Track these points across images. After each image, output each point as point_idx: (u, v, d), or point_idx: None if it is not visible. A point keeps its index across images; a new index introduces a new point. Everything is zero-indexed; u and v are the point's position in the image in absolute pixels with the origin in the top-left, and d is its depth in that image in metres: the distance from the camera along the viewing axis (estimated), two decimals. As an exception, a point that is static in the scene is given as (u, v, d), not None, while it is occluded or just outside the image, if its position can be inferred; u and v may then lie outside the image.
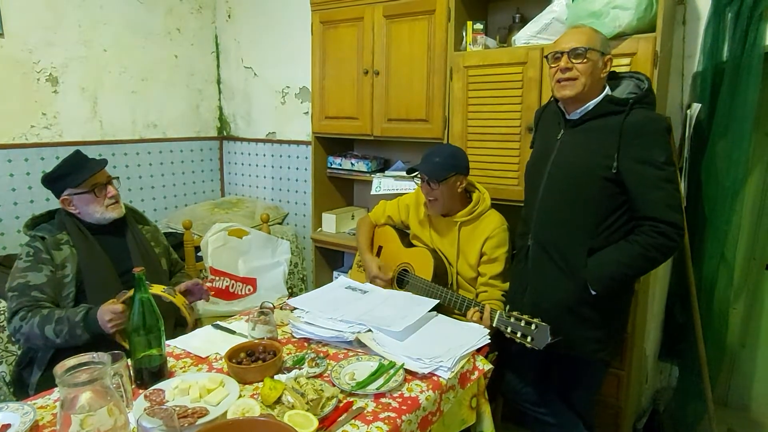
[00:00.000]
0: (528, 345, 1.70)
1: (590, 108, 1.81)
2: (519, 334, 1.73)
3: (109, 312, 1.71)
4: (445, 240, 2.26)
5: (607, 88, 1.84)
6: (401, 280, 2.30)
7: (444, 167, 2.13)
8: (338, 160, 3.26)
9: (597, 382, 2.02)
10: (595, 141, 1.78)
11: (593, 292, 1.79)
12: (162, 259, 2.20)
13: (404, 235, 2.43)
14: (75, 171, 1.96)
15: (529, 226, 1.95)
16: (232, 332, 1.85)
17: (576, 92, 1.79)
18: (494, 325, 1.82)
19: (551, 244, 1.87)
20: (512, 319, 1.76)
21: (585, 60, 1.75)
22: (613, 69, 1.96)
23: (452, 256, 2.22)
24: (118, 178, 2.09)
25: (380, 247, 2.46)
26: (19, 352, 2.06)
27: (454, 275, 2.23)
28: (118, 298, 1.72)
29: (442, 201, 2.18)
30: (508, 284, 2.14)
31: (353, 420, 1.33)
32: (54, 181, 1.98)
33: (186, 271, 2.41)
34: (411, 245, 2.36)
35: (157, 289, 1.75)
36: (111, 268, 1.98)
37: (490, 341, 1.77)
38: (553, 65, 1.82)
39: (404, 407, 1.40)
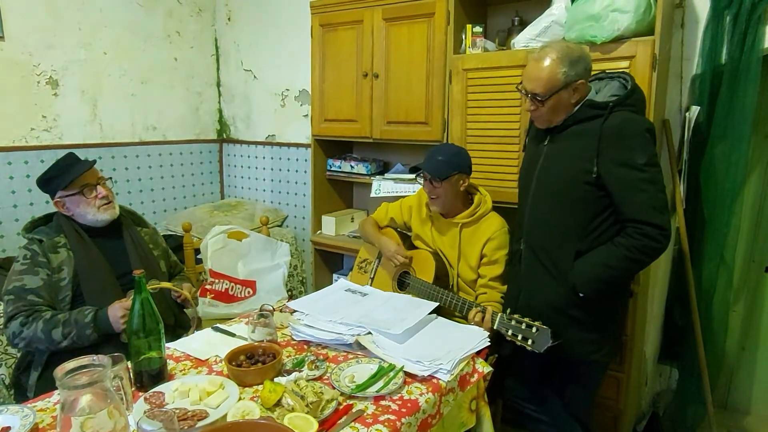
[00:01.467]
0: (529, 348, 1.70)
1: (571, 113, 1.82)
2: (520, 337, 1.73)
3: (121, 309, 1.75)
4: (446, 241, 2.26)
5: (592, 90, 1.85)
6: (402, 282, 2.30)
7: (447, 165, 2.13)
8: (338, 163, 3.26)
9: (594, 382, 2.02)
10: (577, 146, 1.79)
11: (581, 295, 1.79)
12: (161, 261, 2.20)
13: (405, 237, 2.43)
14: (63, 172, 1.96)
15: (521, 230, 1.97)
16: (232, 335, 1.85)
17: (546, 125, 1.86)
18: (495, 327, 1.82)
19: (540, 248, 1.88)
20: (513, 322, 1.77)
21: (544, 104, 1.78)
22: (606, 70, 1.98)
23: (453, 257, 2.23)
24: (111, 178, 2.09)
25: (381, 250, 2.46)
26: (18, 356, 2.06)
27: (455, 277, 2.23)
28: (128, 297, 1.74)
29: (444, 199, 2.19)
30: (506, 287, 2.15)
31: (353, 422, 1.33)
32: (45, 183, 1.98)
33: (185, 274, 2.41)
34: (412, 247, 2.36)
35: (166, 284, 1.90)
36: (108, 271, 1.97)
37: (489, 344, 1.77)
38: (522, 96, 1.87)
39: (404, 410, 1.40)
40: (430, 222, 2.33)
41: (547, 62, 1.76)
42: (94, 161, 2.04)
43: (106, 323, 1.78)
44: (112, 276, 1.97)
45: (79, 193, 1.95)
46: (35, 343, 1.79)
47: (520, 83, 1.85)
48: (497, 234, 2.16)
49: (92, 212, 1.98)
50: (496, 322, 1.82)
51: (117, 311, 1.76)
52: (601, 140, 1.72)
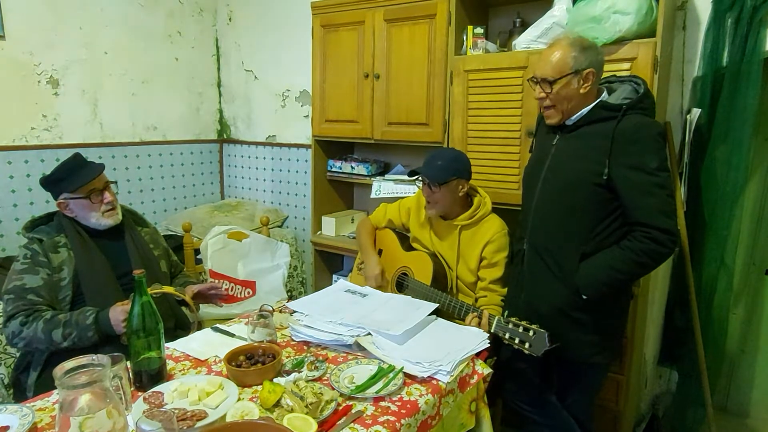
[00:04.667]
0: (526, 351, 1.70)
1: (584, 114, 1.81)
2: (517, 340, 1.73)
3: (123, 312, 1.73)
4: (445, 244, 2.25)
5: (605, 92, 1.84)
6: (400, 284, 2.29)
7: (446, 170, 2.13)
8: (338, 164, 3.26)
9: (594, 384, 2.02)
10: (588, 147, 1.78)
11: (584, 297, 1.79)
12: (161, 261, 2.19)
13: (404, 238, 2.43)
14: (71, 175, 1.95)
15: (525, 231, 1.96)
16: (232, 335, 1.84)
17: (558, 119, 1.85)
18: (492, 330, 1.82)
19: (545, 249, 1.88)
20: (510, 325, 1.77)
21: (555, 89, 1.78)
22: (613, 73, 1.98)
23: (452, 260, 2.22)
24: (116, 182, 2.08)
25: (380, 251, 2.45)
26: (17, 355, 2.05)
27: (453, 279, 2.22)
28: (130, 299, 1.72)
29: (443, 204, 2.18)
30: (507, 289, 2.14)
31: (352, 423, 1.33)
32: (51, 183, 1.97)
33: (186, 272, 2.41)
34: (411, 249, 2.36)
35: (168, 289, 1.86)
36: (109, 272, 1.97)
37: (489, 345, 1.77)
38: (534, 87, 1.87)
39: (403, 411, 1.40)
40: (429, 224, 2.32)
41: (558, 47, 1.79)
42: (103, 166, 2.02)
43: (108, 325, 1.78)
44: (112, 276, 1.97)
45: (86, 197, 1.94)
46: (35, 343, 1.79)
47: (533, 76, 1.85)
48: (497, 236, 2.15)
49: (96, 216, 1.97)
50: (493, 325, 1.82)
51: (118, 314, 1.75)
52: (614, 142, 1.71)
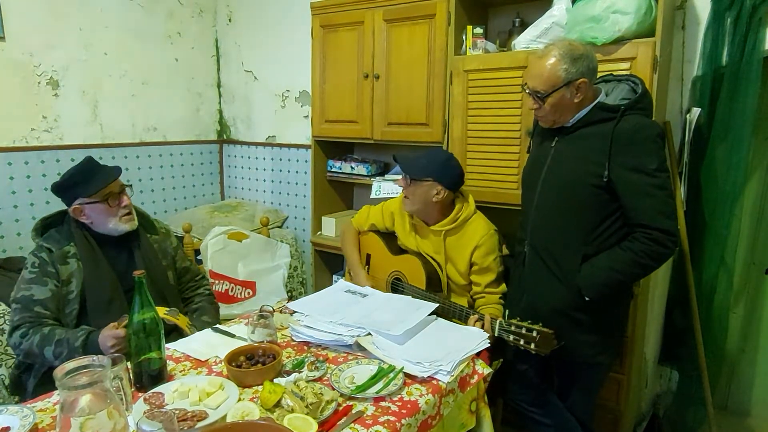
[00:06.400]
0: (533, 351, 1.70)
1: (582, 116, 1.81)
2: (522, 342, 1.73)
3: (110, 338, 1.68)
4: (431, 249, 2.22)
5: (602, 93, 1.84)
6: (395, 290, 2.28)
7: (423, 168, 2.10)
8: (338, 164, 3.26)
9: (595, 384, 2.02)
10: (587, 149, 1.78)
11: (586, 298, 1.79)
12: (169, 272, 2.10)
13: (390, 240, 2.38)
14: (88, 179, 1.89)
15: (525, 232, 1.96)
16: (232, 335, 1.84)
17: (550, 125, 1.86)
18: (496, 335, 1.82)
19: (545, 250, 1.88)
20: (513, 327, 1.76)
21: (547, 102, 1.77)
22: (611, 72, 1.98)
23: (441, 263, 2.20)
24: (131, 186, 2.02)
25: (369, 255, 2.43)
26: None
27: (444, 281, 2.20)
28: (119, 323, 1.69)
29: (414, 201, 2.15)
30: (504, 286, 2.14)
31: (353, 423, 1.33)
32: (65, 189, 1.90)
33: (204, 289, 2.27)
34: (400, 252, 2.32)
35: (159, 311, 1.74)
36: (116, 286, 1.91)
37: (489, 345, 1.77)
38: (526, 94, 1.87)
39: (404, 411, 1.40)
40: (414, 230, 2.28)
41: (548, 59, 1.76)
42: (120, 169, 1.97)
43: (97, 349, 1.71)
44: (118, 291, 1.91)
45: (103, 201, 1.89)
46: (31, 356, 1.78)
47: (525, 83, 1.85)
48: (484, 240, 2.11)
49: (113, 222, 1.92)
50: (496, 329, 1.82)
51: (107, 341, 1.68)
52: (613, 143, 1.70)
